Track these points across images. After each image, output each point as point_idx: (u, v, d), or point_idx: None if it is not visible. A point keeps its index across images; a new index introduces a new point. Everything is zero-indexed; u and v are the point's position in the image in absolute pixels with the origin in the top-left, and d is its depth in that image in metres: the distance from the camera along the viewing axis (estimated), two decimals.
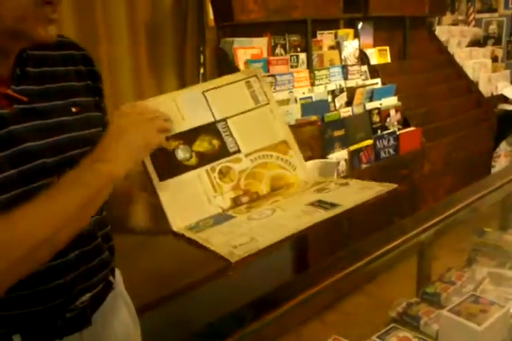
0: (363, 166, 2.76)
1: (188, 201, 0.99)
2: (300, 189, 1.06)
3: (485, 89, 4.09)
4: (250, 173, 1.04)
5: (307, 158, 2.49)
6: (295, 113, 2.56)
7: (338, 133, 2.68)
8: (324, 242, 2.56)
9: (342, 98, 2.88)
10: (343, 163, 2.65)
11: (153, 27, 2.52)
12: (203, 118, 1.04)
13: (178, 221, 0.96)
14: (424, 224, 1.20)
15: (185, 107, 1.02)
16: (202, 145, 1.02)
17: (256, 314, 1.00)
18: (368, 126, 2.88)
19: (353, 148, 2.70)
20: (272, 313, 1.00)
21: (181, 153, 1.00)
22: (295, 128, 2.49)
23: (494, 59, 4.46)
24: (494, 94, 4.16)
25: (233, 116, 1.06)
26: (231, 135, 1.05)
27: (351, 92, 2.91)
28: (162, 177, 0.96)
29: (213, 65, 2.65)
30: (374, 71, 3.27)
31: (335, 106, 2.84)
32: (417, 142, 3.16)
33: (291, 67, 2.81)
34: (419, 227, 1.18)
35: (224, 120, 1.05)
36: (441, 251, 1.37)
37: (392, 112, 3.04)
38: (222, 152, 1.03)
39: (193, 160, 1.00)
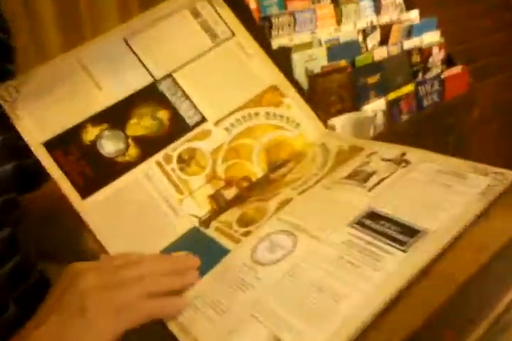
0: (403, 118, 2.34)
1: (139, 223, 0.62)
2: (317, 165, 0.68)
3: None
4: (230, 150, 0.69)
5: (337, 112, 2.00)
6: (320, 58, 2.13)
7: (372, 79, 2.26)
8: None
9: (375, 37, 2.44)
10: (380, 116, 2.24)
11: None
12: (134, 81, 0.67)
13: None
14: None
15: (100, 69, 0.65)
16: (141, 124, 0.66)
17: None
18: (407, 69, 2.44)
19: (391, 96, 2.28)
20: None
21: (109, 145, 0.64)
22: (321, 77, 2.07)
23: None
24: None
25: (182, 66, 0.70)
26: (185, 97, 0.69)
27: (385, 30, 2.46)
28: (85, 191, 0.61)
29: None
30: (409, 2, 2.79)
31: (366, 47, 2.41)
32: (463, 85, 2.72)
33: (313, 2, 2.36)
34: None
35: (169, 76, 0.70)
36: None
37: (435, 50, 2.58)
38: (178, 127, 0.68)
39: (132, 152, 0.65)
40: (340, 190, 0.61)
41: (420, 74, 2.49)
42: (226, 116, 0.70)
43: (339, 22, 2.38)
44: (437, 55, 2.60)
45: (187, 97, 0.69)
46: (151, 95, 0.68)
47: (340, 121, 1.96)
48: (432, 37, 2.61)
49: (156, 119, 0.67)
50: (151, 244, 0.62)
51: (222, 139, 0.69)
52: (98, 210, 0.61)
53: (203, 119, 0.69)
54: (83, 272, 0.49)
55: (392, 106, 2.28)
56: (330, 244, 0.54)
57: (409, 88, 2.37)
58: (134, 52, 0.69)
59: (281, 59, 2.07)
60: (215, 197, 0.67)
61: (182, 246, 0.62)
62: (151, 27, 0.70)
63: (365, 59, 2.29)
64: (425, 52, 2.55)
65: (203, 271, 0.57)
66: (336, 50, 2.23)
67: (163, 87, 0.69)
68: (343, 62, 2.17)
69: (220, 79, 0.73)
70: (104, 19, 1.98)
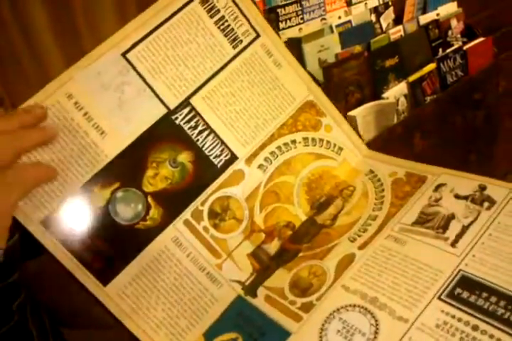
0: (428, 99, 2.21)
1: (173, 306, 0.51)
2: (372, 201, 0.56)
3: None
4: (268, 194, 0.56)
5: (356, 102, 1.89)
6: (333, 46, 2.01)
7: (390, 62, 2.13)
8: None
9: (388, 15, 2.30)
10: (402, 100, 2.12)
11: None
12: (144, 116, 0.51)
13: None
14: None
15: (98, 103, 0.49)
16: (160, 174, 0.52)
17: None
18: (426, 45, 2.31)
19: (412, 78, 2.15)
20: None
21: (125, 210, 0.51)
22: (336, 67, 1.95)
23: None
24: None
25: (199, 88, 0.54)
26: (209, 129, 0.54)
27: (399, 5, 2.31)
28: (105, 276, 0.49)
29: None
30: None
31: (381, 27, 2.27)
32: (488, 55, 2.56)
33: None
34: None
35: (186, 102, 0.53)
36: None
37: (454, 22, 2.44)
38: (204, 172, 0.54)
39: (154, 214, 0.51)
40: (415, 244, 0.47)
41: (440, 50, 2.35)
42: (258, 150, 0.56)
43: (349, 3, 2.24)
44: (456, 28, 2.45)
45: (210, 130, 0.54)
46: (166, 132, 0.52)
47: (360, 112, 1.86)
48: (448, 8, 2.46)
49: (178, 165, 0.52)
50: (190, 329, 0.53)
51: (258, 180, 0.55)
52: (124, 296, 0.50)
53: (233, 157, 0.55)
54: None
55: (415, 88, 2.16)
56: (422, 328, 0.40)
57: (430, 66, 2.23)
58: (137, 72, 0.52)
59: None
60: (256, 255, 0.54)
61: (228, 327, 0.52)
62: (155, 33, 0.52)
63: (381, 40, 2.16)
64: (443, 26, 2.40)
65: None
66: (348, 34, 2.10)
67: (181, 120, 0.53)
68: (357, 48, 2.05)
69: (245, 99, 0.58)
70: (101, 21, 1.87)
